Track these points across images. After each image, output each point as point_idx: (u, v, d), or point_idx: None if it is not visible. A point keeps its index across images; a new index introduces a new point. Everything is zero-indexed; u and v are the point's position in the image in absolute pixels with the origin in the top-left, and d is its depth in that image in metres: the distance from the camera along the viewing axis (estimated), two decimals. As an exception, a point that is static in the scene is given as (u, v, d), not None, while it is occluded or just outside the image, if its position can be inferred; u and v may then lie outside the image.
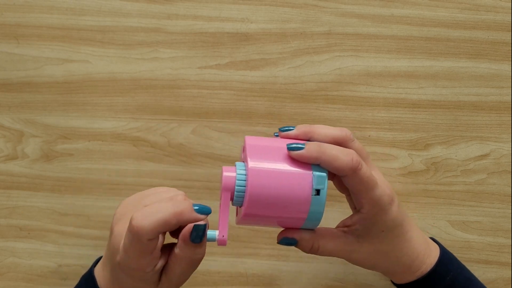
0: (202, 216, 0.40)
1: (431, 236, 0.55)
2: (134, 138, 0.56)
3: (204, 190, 0.56)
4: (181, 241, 0.40)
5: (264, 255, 0.56)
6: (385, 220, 0.44)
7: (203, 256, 0.42)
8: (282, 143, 0.42)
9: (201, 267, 0.56)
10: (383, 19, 0.54)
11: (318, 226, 0.44)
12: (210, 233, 0.41)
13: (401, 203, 0.48)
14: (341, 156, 0.41)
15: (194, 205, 0.40)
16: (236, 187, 0.41)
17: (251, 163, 0.41)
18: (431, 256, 0.47)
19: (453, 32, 0.54)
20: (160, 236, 0.40)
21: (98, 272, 0.46)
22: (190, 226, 0.40)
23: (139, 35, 0.54)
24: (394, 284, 0.50)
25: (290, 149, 0.41)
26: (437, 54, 0.54)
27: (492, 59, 0.54)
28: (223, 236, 0.42)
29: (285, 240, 0.44)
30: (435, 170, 0.55)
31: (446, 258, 0.48)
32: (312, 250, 0.45)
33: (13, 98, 0.56)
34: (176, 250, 0.41)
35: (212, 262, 0.56)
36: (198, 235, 0.40)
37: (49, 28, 0.55)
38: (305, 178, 0.41)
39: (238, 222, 0.44)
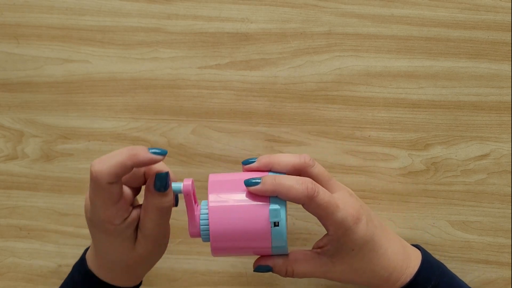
0: (158, 157, 0.40)
1: (429, 235, 0.55)
2: (134, 138, 0.56)
3: (204, 190, 0.56)
4: (147, 191, 0.42)
5: (264, 255, 0.56)
6: (353, 239, 0.44)
7: (171, 205, 0.43)
8: (244, 178, 0.44)
9: (201, 267, 0.56)
10: (383, 19, 0.54)
11: (295, 249, 0.46)
12: (175, 185, 0.43)
13: (375, 216, 0.48)
14: (296, 186, 0.42)
15: (150, 148, 0.41)
16: (200, 226, 0.43)
17: (211, 202, 0.43)
18: (411, 266, 0.47)
19: (453, 32, 0.54)
20: (128, 189, 0.42)
21: (88, 255, 0.48)
22: (153, 175, 0.42)
23: (139, 35, 0.54)
24: None
25: (247, 184, 0.43)
26: (437, 54, 0.54)
27: (492, 59, 0.54)
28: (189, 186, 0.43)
29: (260, 268, 0.46)
30: (435, 170, 0.55)
31: (427, 267, 0.48)
32: (287, 274, 0.46)
33: (13, 98, 0.56)
34: (144, 202, 0.42)
35: (212, 262, 0.56)
36: (162, 183, 0.42)
37: (49, 28, 0.55)
38: (263, 212, 0.43)
39: (212, 255, 0.45)
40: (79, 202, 0.56)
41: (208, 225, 0.43)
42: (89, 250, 0.49)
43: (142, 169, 0.43)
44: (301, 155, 0.46)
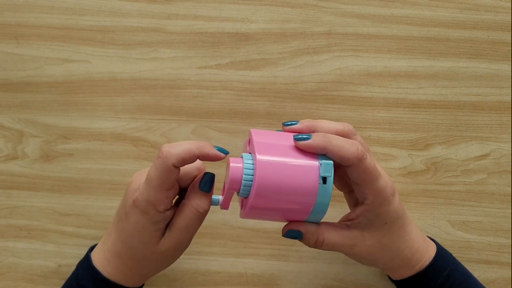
0: (221, 154, 0.43)
1: (429, 235, 0.55)
2: (134, 138, 0.56)
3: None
4: (190, 189, 0.44)
5: (264, 255, 0.56)
6: (388, 211, 0.44)
7: (206, 211, 0.44)
8: (287, 136, 0.43)
9: (201, 267, 0.56)
10: (383, 19, 0.54)
11: (324, 221, 0.45)
12: (214, 197, 0.44)
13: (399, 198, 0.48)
14: (347, 146, 0.41)
15: (215, 146, 0.43)
16: (244, 176, 0.41)
17: (259, 155, 0.41)
18: (429, 250, 0.48)
19: (453, 32, 0.54)
20: (177, 185, 0.44)
21: (96, 251, 0.48)
22: (200, 175, 0.44)
23: (139, 35, 0.54)
24: (393, 281, 0.50)
25: (297, 139, 0.42)
26: (437, 54, 0.54)
27: (492, 59, 0.54)
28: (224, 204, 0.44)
29: (290, 232, 0.45)
30: (435, 170, 0.55)
31: (442, 254, 0.49)
32: (317, 243, 0.45)
33: (13, 98, 0.56)
34: (184, 200, 0.44)
35: (212, 262, 0.56)
36: (207, 183, 0.43)
37: (49, 28, 0.55)
38: (312, 168, 0.41)
39: (243, 215, 0.44)
40: (79, 202, 0.56)
41: (252, 177, 0.41)
42: (98, 245, 0.49)
43: (195, 172, 0.45)
44: (344, 123, 0.46)
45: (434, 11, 0.54)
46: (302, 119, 0.54)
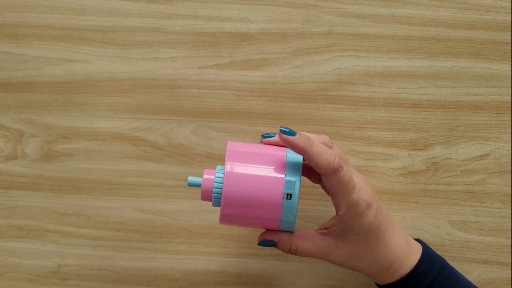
0: None
1: (429, 235, 0.55)
2: (134, 138, 0.56)
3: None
4: None
5: (264, 255, 0.56)
6: (360, 224, 0.45)
7: None
8: (262, 149, 0.45)
9: (201, 267, 0.56)
10: (383, 19, 0.54)
11: (300, 228, 0.47)
12: (195, 179, 0.45)
13: (383, 206, 0.48)
14: (325, 154, 0.42)
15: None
16: (213, 189, 0.44)
17: (228, 167, 0.43)
18: (412, 259, 0.48)
19: (453, 32, 0.54)
20: None
21: None
22: None
23: (139, 35, 0.54)
24: (377, 285, 0.50)
25: (282, 132, 0.43)
26: (437, 54, 0.54)
27: (492, 59, 0.54)
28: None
29: (264, 242, 0.46)
30: (435, 170, 0.55)
31: (427, 260, 0.48)
32: (290, 251, 0.46)
33: (13, 98, 0.56)
34: None
35: (212, 262, 0.56)
36: None
37: (49, 28, 0.55)
38: (278, 183, 0.43)
39: (219, 222, 0.46)
40: (79, 202, 0.56)
41: (221, 189, 0.43)
42: None
43: None
44: (320, 135, 0.47)
45: (434, 11, 0.54)
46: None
